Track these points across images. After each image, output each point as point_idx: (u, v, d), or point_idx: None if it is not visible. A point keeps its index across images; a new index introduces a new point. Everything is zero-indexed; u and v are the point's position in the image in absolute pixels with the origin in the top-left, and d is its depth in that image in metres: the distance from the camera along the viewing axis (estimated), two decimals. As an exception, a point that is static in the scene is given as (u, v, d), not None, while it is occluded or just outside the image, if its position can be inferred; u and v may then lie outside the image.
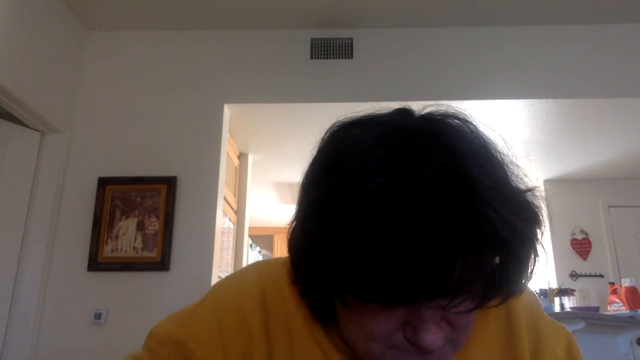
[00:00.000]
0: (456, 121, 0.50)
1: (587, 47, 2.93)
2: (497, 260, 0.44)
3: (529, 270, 0.49)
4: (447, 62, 2.93)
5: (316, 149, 0.53)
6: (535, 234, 0.48)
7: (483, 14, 2.88)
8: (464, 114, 0.51)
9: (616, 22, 2.95)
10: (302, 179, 0.53)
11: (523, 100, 2.89)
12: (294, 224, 0.53)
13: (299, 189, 0.53)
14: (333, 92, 2.89)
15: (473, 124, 0.50)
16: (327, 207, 0.45)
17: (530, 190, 0.49)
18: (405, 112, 0.52)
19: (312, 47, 2.96)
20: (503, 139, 0.52)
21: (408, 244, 0.41)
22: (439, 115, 0.51)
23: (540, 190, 0.50)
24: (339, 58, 2.95)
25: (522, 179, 0.49)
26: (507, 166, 0.49)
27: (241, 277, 0.63)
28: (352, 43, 2.97)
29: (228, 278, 0.65)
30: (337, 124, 0.53)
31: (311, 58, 2.94)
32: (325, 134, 0.53)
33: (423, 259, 0.41)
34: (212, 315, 0.58)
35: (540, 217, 0.49)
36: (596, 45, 2.93)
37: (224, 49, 2.98)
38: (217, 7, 2.82)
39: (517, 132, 3.32)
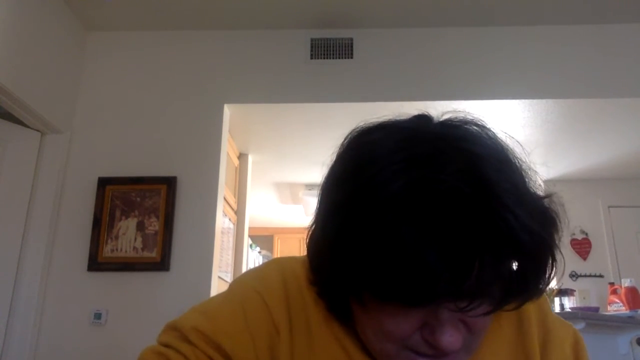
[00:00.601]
0: (475, 127, 0.51)
1: (587, 47, 2.93)
2: (515, 263, 0.44)
3: (547, 275, 0.49)
4: (447, 62, 2.93)
5: (335, 154, 0.54)
6: (553, 239, 0.48)
7: (483, 14, 2.88)
8: (482, 121, 0.52)
9: (616, 22, 2.95)
10: (322, 183, 0.54)
11: (523, 100, 2.89)
12: (313, 227, 0.54)
13: (318, 193, 0.54)
14: (333, 92, 2.89)
15: (491, 131, 0.51)
16: (348, 209, 0.47)
17: (548, 196, 0.50)
18: (424, 118, 0.53)
19: (312, 47, 2.96)
20: (521, 145, 0.53)
21: (427, 243, 0.42)
22: (457, 121, 0.52)
23: (559, 197, 0.51)
24: (339, 58, 2.95)
25: (539, 185, 0.50)
26: (524, 172, 0.50)
27: (263, 272, 0.63)
28: (352, 43, 2.97)
29: (249, 273, 0.64)
30: (357, 130, 0.54)
31: (311, 58, 2.94)
32: (345, 139, 0.54)
33: (441, 258, 0.41)
34: (239, 309, 0.58)
35: (558, 223, 0.50)
36: (596, 45, 2.93)
37: (224, 49, 2.98)
38: (217, 7, 2.82)
39: (517, 132, 3.32)
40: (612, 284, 3.52)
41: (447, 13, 2.87)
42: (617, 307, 3.22)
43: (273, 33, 2.99)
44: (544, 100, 2.90)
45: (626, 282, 3.28)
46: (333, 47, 2.97)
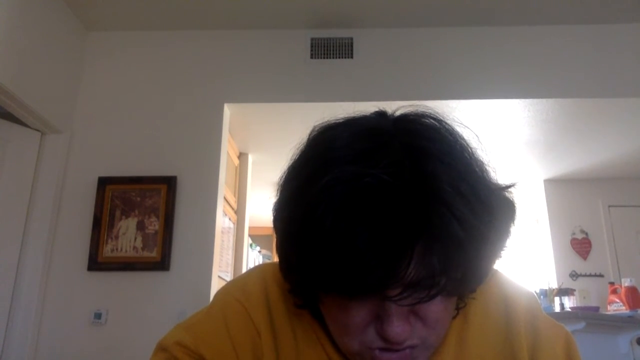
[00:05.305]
0: (431, 120, 0.51)
1: (587, 47, 2.93)
2: (448, 255, 0.44)
3: (485, 267, 0.50)
4: (447, 62, 2.93)
5: (295, 153, 0.55)
6: (497, 233, 0.48)
7: (483, 14, 2.88)
8: (439, 114, 0.52)
9: (616, 22, 2.95)
10: (277, 181, 0.55)
11: (523, 100, 2.89)
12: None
13: (276, 191, 0.56)
14: (333, 92, 2.89)
15: (447, 123, 0.52)
16: (290, 205, 0.49)
17: (502, 188, 0.51)
18: (381, 115, 0.54)
19: (312, 47, 2.96)
20: (478, 137, 0.53)
21: (353, 236, 0.43)
22: (413, 115, 0.52)
23: (516, 188, 0.51)
24: (339, 58, 2.95)
25: (495, 178, 0.51)
26: (478, 165, 0.50)
27: (244, 279, 0.65)
28: (352, 43, 2.96)
29: (231, 282, 0.67)
30: (316, 128, 0.55)
31: (311, 58, 2.94)
32: (306, 138, 0.55)
33: (367, 249, 0.42)
34: (219, 319, 0.60)
35: (511, 215, 0.50)
36: (596, 45, 2.93)
37: (224, 49, 2.98)
38: (217, 7, 2.82)
39: (517, 132, 3.32)
40: (612, 283, 3.52)
41: (447, 13, 2.87)
42: (617, 307, 3.22)
43: (273, 33, 2.99)
44: (544, 100, 2.90)
45: (626, 282, 3.28)
46: (333, 47, 2.97)
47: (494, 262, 0.50)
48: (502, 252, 0.50)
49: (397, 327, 0.46)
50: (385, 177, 0.44)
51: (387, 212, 0.43)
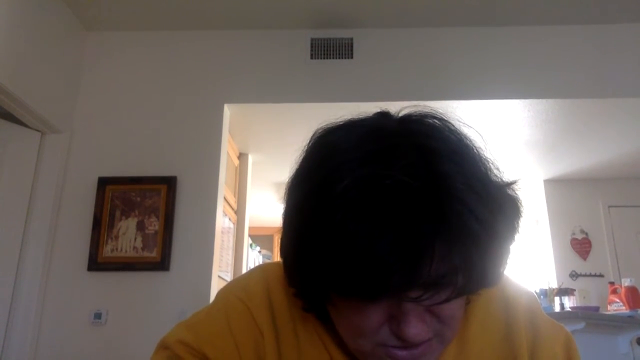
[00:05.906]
0: (434, 120, 0.52)
1: (587, 47, 2.93)
2: (467, 253, 0.44)
3: (501, 263, 0.50)
4: (447, 62, 2.93)
5: (300, 156, 0.55)
6: (508, 229, 0.49)
7: (483, 14, 2.88)
8: (442, 114, 0.53)
9: (616, 22, 2.95)
10: (286, 184, 0.55)
11: (523, 100, 2.89)
12: (282, 228, 0.56)
13: (284, 194, 0.55)
14: (333, 92, 2.89)
15: (451, 123, 0.52)
16: (305, 209, 0.48)
17: (508, 185, 0.51)
18: (384, 115, 0.54)
19: (312, 47, 2.96)
20: (481, 136, 0.54)
21: (376, 238, 0.42)
22: (416, 115, 0.52)
23: (519, 185, 0.52)
24: (339, 58, 2.95)
25: (500, 175, 0.51)
26: (484, 162, 0.50)
27: (246, 279, 0.64)
28: (352, 43, 2.96)
29: (233, 281, 0.66)
30: (319, 131, 0.55)
31: (311, 58, 2.94)
32: (309, 141, 0.55)
33: (392, 252, 0.42)
34: (222, 318, 0.60)
35: (518, 211, 0.51)
36: (596, 45, 2.93)
37: (224, 49, 2.98)
38: (217, 7, 2.82)
39: (517, 132, 3.33)
40: (612, 283, 3.52)
41: (447, 13, 2.87)
42: (617, 307, 3.22)
43: (273, 33, 2.99)
44: (544, 100, 2.90)
45: (626, 282, 3.28)
46: (333, 47, 2.97)
47: (507, 259, 0.51)
48: (511, 247, 0.51)
49: (415, 328, 0.47)
50: (404, 178, 0.44)
51: (408, 213, 0.43)
